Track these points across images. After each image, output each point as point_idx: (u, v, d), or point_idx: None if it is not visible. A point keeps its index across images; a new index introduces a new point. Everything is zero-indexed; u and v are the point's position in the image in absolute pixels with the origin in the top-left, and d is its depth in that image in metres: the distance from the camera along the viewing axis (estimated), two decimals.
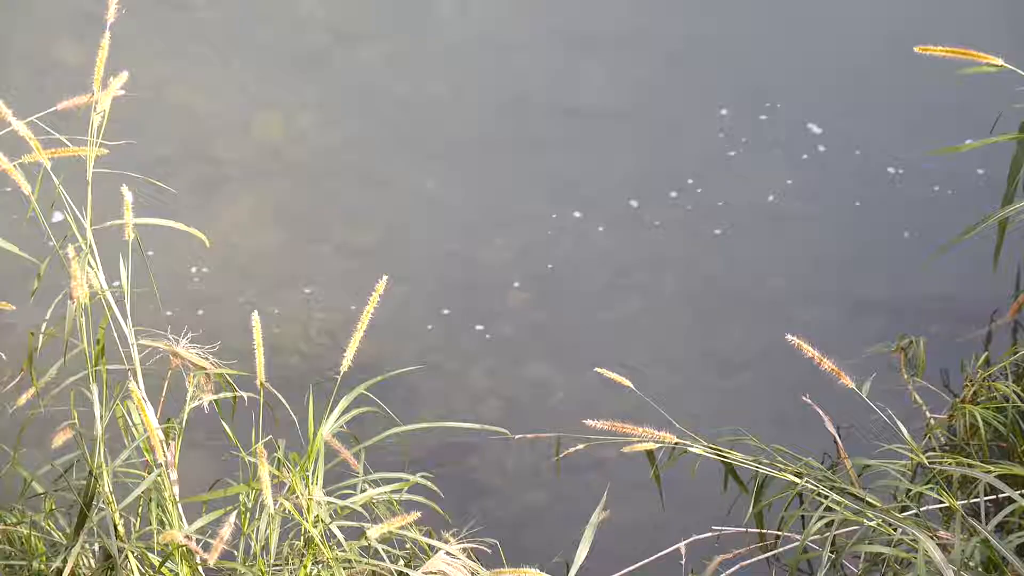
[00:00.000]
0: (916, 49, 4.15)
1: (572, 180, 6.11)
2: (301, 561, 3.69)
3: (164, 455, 3.65)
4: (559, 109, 6.40)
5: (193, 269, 5.73)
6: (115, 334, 3.68)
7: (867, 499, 3.76)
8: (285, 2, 6.81)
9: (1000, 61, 4.16)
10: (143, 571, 3.68)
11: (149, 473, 3.69)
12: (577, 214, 5.98)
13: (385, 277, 3.60)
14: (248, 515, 3.73)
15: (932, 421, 4.55)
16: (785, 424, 5.14)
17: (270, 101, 6.38)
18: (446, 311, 5.63)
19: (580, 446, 3.98)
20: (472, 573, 3.61)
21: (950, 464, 3.97)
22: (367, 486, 3.82)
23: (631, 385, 3.77)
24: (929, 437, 4.47)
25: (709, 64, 6.56)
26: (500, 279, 5.74)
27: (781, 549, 4.26)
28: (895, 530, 3.62)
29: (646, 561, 4.37)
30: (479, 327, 5.58)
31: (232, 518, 3.23)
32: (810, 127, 6.32)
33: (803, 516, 4.05)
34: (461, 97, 6.45)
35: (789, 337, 3.65)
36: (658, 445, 3.62)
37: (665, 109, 6.39)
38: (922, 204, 5.99)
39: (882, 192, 6.05)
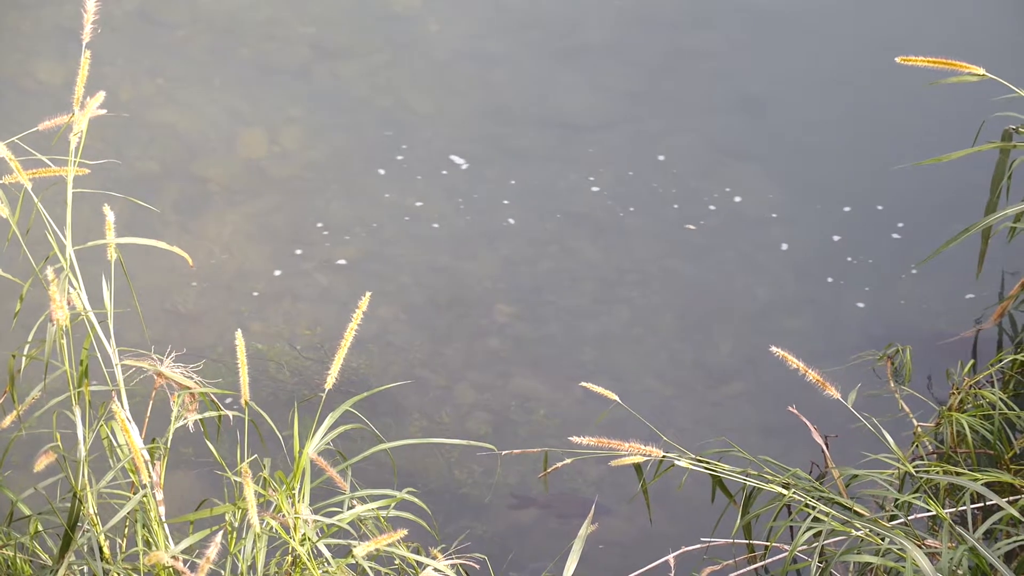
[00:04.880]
0: (897, 60, 4.16)
1: (556, 192, 6.11)
2: None
3: (149, 476, 3.63)
4: (542, 121, 6.40)
5: (177, 287, 5.71)
6: (99, 354, 3.66)
7: (855, 509, 3.75)
8: (267, 19, 6.80)
9: (981, 71, 4.17)
10: None
11: (134, 494, 3.67)
12: (562, 227, 5.98)
13: (369, 293, 3.59)
14: (235, 535, 3.71)
15: (919, 429, 4.55)
16: (772, 434, 5.14)
17: (253, 118, 6.38)
18: (432, 325, 5.62)
19: (567, 460, 3.98)
20: None
21: (937, 473, 3.97)
22: (354, 503, 3.80)
23: (617, 399, 3.77)
24: (916, 446, 4.47)
25: (693, 75, 6.57)
26: (485, 293, 5.73)
27: (770, 560, 4.25)
28: (883, 540, 3.61)
29: (636, 574, 4.36)
30: (465, 341, 5.57)
31: (218, 538, 3.21)
32: (798, 136, 6.33)
33: (791, 527, 4.05)
34: (444, 111, 6.45)
35: (774, 348, 3.65)
36: (645, 459, 3.61)
37: (648, 120, 6.39)
38: (906, 214, 6.00)
39: (866, 201, 6.05)
